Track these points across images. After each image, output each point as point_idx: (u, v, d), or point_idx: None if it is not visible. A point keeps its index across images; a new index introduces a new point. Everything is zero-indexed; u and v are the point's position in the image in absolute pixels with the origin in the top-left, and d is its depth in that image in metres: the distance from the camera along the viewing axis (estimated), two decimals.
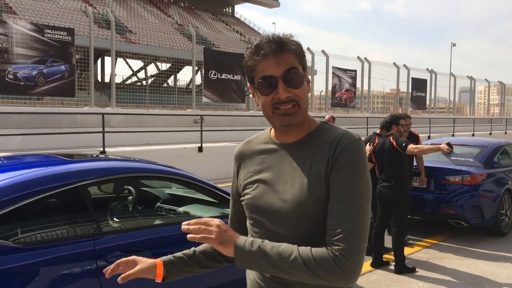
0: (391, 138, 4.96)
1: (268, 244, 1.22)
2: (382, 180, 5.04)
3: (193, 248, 1.50)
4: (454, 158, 6.69)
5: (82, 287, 2.40)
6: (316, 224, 1.25)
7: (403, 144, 4.84)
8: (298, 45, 1.31)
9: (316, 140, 1.31)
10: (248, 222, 1.39)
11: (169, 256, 1.47)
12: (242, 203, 1.41)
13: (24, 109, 10.81)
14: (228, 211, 3.24)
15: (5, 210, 2.30)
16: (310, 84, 1.44)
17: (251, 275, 1.40)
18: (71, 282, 2.37)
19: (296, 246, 1.20)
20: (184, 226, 1.24)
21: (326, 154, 1.27)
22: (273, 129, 1.41)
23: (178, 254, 1.49)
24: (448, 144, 5.03)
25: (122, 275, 1.41)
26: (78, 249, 2.43)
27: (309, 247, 1.20)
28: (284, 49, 1.27)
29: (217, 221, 1.24)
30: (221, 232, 1.22)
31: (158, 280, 1.44)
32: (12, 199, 2.34)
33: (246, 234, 1.38)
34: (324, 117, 10.18)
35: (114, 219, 3.12)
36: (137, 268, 1.42)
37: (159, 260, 1.44)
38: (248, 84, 1.38)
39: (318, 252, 1.19)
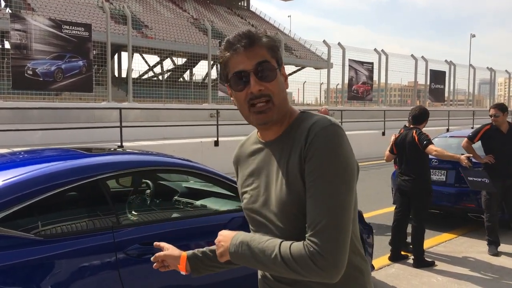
0: (414, 131, 4.86)
1: (255, 240, 1.23)
2: (401, 173, 4.97)
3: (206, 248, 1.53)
4: (475, 150, 6.57)
5: (101, 279, 2.44)
6: (304, 220, 1.21)
7: (425, 142, 4.72)
8: (270, 38, 1.28)
9: (294, 132, 1.27)
10: (250, 225, 1.40)
11: (195, 251, 1.51)
12: (242, 208, 1.43)
13: (44, 105, 10.98)
14: None
15: (26, 203, 2.34)
16: (288, 81, 1.36)
17: (258, 273, 1.43)
18: (91, 274, 2.41)
19: (279, 242, 1.20)
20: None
21: (299, 146, 1.23)
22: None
23: (204, 249, 1.50)
24: (468, 158, 4.85)
25: (155, 255, 1.53)
26: (98, 241, 2.46)
27: (290, 243, 1.18)
28: (255, 43, 1.25)
29: (217, 238, 1.33)
30: (222, 247, 1.29)
31: (182, 272, 1.50)
32: (33, 193, 2.38)
33: None
34: (328, 110, 10.06)
35: (133, 212, 3.15)
36: (166, 252, 1.51)
37: (184, 253, 1.49)
38: (225, 84, 1.34)
39: (296, 249, 1.16)
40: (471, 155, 5.08)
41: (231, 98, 1.34)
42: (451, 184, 6.07)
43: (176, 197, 3.62)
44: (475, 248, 5.42)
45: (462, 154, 4.89)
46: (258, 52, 1.24)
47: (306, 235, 1.16)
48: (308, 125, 1.23)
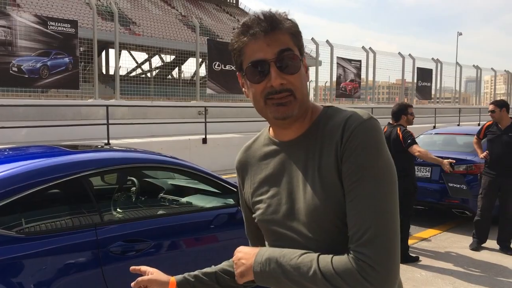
0: (398, 129, 4.89)
1: (286, 257, 1.05)
2: None
3: (212, 267, 1.34)
4: (459, 147, 6.67)
5: (84, 277, 2.42)
6: (341, 228, 1.04)
7: (409, 141, 4.74)
8: (293, 23, 1.09)
9: (322, 130, 1.09)
10: (267, 239, 1.21)
11: (185, 275, 1.32)
12: (255, 220, 1.21)
13: (29, 102, 10.86)
14: (231, 201, 3.28)
15: (7, 200, 2.32)
16: (309, 72, 1.17)
17: None
18: (74, 271, 2.39)
19: (316, 256, 1.02)
20: None
21: (333, 144, 1.05)
22: (270, 127, 1.21)
23: (196, 272, 1.32)
24: (450, 164, 4.90)
25: (137, 279, 1.31)
26: (81, 239, 2.45)
27: (331, 257, 1.00)
28: (277, 27, 1.05)
29: (235, 255, 1.17)
30: (241, 268, 1.13)
31: None
32: (15, 190, 2.36)
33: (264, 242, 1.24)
34: None
35: (117, 209, 3.14)
36: (150, 276, 1.30)
37: (173, 279, 1.30)
38: (237, 73, 1.16)
39: (340, 263, 0.99)
40: (454, 161, 5.14)
41: (243, 89, 1.16)
42: (436, 180, 6.15)
43: (161, 195, 3.62)
44: (459, 243, 5.50)
45: (446, 158, 4.95)
46: (280, 38, 1.06)
47: (351, 245, 0.99)
48: (342, 120, 1.06)
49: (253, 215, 1.21)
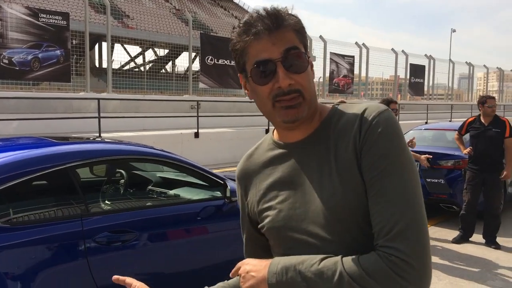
0: None
1: (305, 263, 0.96)
2: None
3: (219, 285, 1.22)
4: (448, 142, 6.73)
5: (70, 267, 2.44)
6: (364, 227, 0.98)
7: None
8: (297, 19, 1.03)
9: (334, 127, 1.05)
10: (277, 248, 1.11)
11: None
12: (262, 230, 1.12)
13: (20, 94, 10.79)
14: (219, 194, 3.30)
15: None
16: (314, 68, 1.11)
17: None
18: (59, 261, 2.41)
19: (339, 258, 0.94)
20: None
21: (350, 138, 1.00)
22: (275, 131, 1.15)
23: None
24: (428, 159, 4.95)
25: None
26: (66, 229, 2.47)
27: (356, 257, 0.93)
28: (281, 24, 0.99)
29: (241, 268, 1.06)
30: (249, 280, 1.02)
31: None
32: (1, 180, 2.36)
33: (269, 255, 1.13)
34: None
35: (104, 201, 3.16)
36: None
37: None
38: (238, 74, 1.10)
39: (369, 262, 0.91)
40: (431, 156, 5.20)
41: (245, 91, 1.10)
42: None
43: (150, 187, 3.64)
44: (445, 237, 5.57)
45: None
46: (286, 36, 1.00)
47: (378, 241, 0.92)
48: (357, 112, 1.02)
49: (260, 225, 1.13)
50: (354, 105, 1.06)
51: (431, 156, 5.21)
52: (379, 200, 0.94)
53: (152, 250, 2.78)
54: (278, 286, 0.98)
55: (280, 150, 1.11)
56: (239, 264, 1.08)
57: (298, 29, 1.03)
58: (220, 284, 1.21)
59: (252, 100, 1.12)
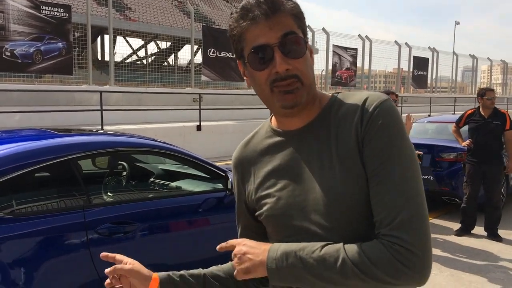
0: None
1: (306, 249, 0.95)
2: None
3: (200, 269, 1.20)
4: (450, 135, 6.71)
5: (72, 258, 2.46)
6: (364, 215, 0.98)
7: None
8: (295, 4, 1.02)
9: (335, 115, 1.04)
10: (275, 236, 1.10)
11: (170, 273, 1.16)
12: (260, 217, 1.11)
13: (22, 87, 10.81)
14: (220, 186, 3.31)
15: None
16: (314, 55, 1.10)
17: None
18: (62, 252, 2.43)
19: (341, 245, 0.94)
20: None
21: (352, 127, 1.00)
22: (273, 118, 1.14)
23: (182, 272, 1.17)
24: (418, 156, 4.95)
25: (112, 268, 1.12)
26: (68, 220, 2.48)
27: (358, 245, 0.92)
28: (278, 9, 0.98)
29: (237, 248, 1.02)
30: (247, 261, 1.00)
31: None
32: (3, 171, 2.38)
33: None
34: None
35: (106, 192, 3.17)
36: (129, 267, 1.11)
37: (155, 275, 1.14)
38: (237, 61, 1.09)
39: (372, 249, 0.91)
40: (421, 153, 5.18)
41: (245, 78, 1.10)
42: (426, 167, 6.20)
43: (151, 179, 3.65)
44: (447, 230, 5.57)
45: (437, 147, 4.97)
46: (283, 20, 0.98)
47: (381, 230, 0.92)
48: (359, 101, 1.01)
49: (258, 213, 1.12)
50: (354, 94, 1.05)
51: (422, 153, 5.20)
52: (382, 189, 0.94)
53: (153, 241, 2.80)
54: (277, 271, 0.97)
55: (279, 138, 1.10)
56: (233, 241, 1.05)
57: (296, 13, 1.01)
58: (214, 267, 1.21)
59: (254, 93, 1.10)
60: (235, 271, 1.02)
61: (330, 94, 1.10)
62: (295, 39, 0.99)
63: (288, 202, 1.04)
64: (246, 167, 1.16)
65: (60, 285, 2.40)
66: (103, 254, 1.15)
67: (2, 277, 2.21)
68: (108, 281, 1.11)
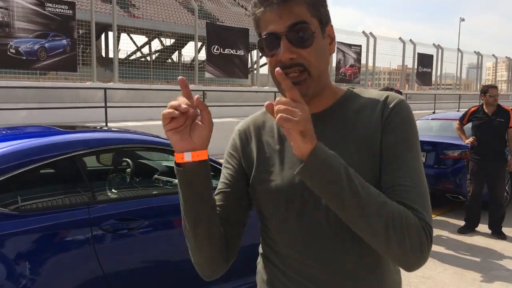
0: None
1: (352, 171, 0.93)
2: None
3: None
4: (454, 132, 6.69)
5: (77, 254, 2.48)
6: None
7: None
8: None
9: (350, 106, 1.09)
10: (274, 217, 1.10)
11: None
12: (259, 186, 1.11)
13: (27, 84, 10.85)
14: None
15: (1, 178, 2.36)
16: (335, 43, 1.10)
17: (263, 271, 1.18)
18: (66, 248, 2.45)
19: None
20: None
21: (372, 117, 1.06)
22: None
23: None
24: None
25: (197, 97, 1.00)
26: (73, 216, 2.50)
27: (398, 204, 0.95)
28: None
29: (304, 107, 0.90)
30: (307, 120, 0.89)
31: (187, 157, 0.99)
32: (9, 167, 2.40)
33: (235, 234, 1.13)
34: None
35: (110, 189, 3.19)
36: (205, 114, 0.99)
37: (205, 152, 1.01)
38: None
39: (408, 213, 0.94)
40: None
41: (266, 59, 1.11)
42: (430, 165, 6.19)
43: (156, 176, 3.66)
44: (451, 227, 5.57)
45: (441, 144, 4.91)
46: (295, 9, 1.00)
47: (406, 202, 0.96)
48: (379, 96, 1.09)
49: (259, 188, 1.11)
50: (371, 91, 1.12)
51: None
52: (405, 168, 1.00)
53: (157, 238, 2.81)
54: (323, 162, 0.90)
55: None
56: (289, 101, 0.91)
57: (311, 2, 1.02)
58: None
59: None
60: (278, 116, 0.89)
61: (346, 88, 1.15)
62: (303, 28, 1.00)
63: (295, 181, 1.04)
64: (251, 137, 1.17)
65: (65, 281, 2.42)
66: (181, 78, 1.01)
67: (8, 272, 2.23)
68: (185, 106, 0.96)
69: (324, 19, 1.05)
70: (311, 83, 1.02)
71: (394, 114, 1.05)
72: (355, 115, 1.07)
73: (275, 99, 0.94)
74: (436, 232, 5.40)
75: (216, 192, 1.17)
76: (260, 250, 1.22)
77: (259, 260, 1.23)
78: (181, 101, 0.98)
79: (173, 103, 0.97)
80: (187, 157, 0.99)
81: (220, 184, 1.18)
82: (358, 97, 1.11)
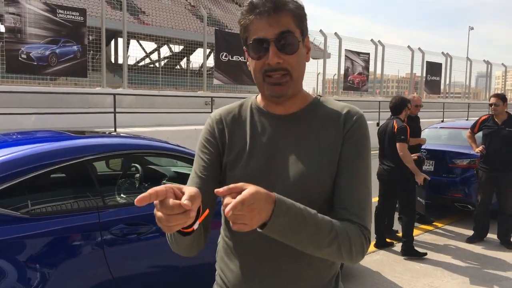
0: (395, 122, 4.84)
1: (305, 210, 1.04)
2: (382, 162, 5.01)
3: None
4: (463, 141, 6.66)
5: (86, 257, 2.50)
6: (326, 200, 1.17)
7: (402, 137, 4.70)
8: (298, 5, 1.16)
9: (316, 113, 1.22)
10: None
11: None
12: (230, 172, 1.21)
13: (37, 89, 10.97)
14: None
15: (14, 181, 2.39)
16: (310, 53, 1.24)
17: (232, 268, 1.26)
18: (76, 252, 2.47)
19: (330, 219, 1.09)
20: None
21: (334, 127, 1.19)
22: (259, 97, 1.29)
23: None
24: (425, 179, 4.90)
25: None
26: (83, 221, 2.52)
27: (342, 223, 1.11)
28: (280, 8, 1.13)
29: (244, 198, 0.92)
30: (255, 211, 0.94)
31: (189, 229, 1.01)
32: (21, 172, 2.43)
33: (209, 220, 1.22)
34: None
35: (120, 194, 3.21)
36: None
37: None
38: (243, 47, 1.23)
39: (350, 227, 1.11)
40: (429, 178, 5.11)
41: (247, 62, 1.24)
42: (439, 174, 6.16)
43: (164, 181, 3.68)
44: (460, 237, 5.52)
45: (449, 153, 4.87)
46: (283, 20, 1.13)
47: (350, 215, 1.13)
48: (341, 108, 1.22)
49: (230, 174, 1.19)
50: (335, 101, 1.26)
51: (429, 179, 5.14)
52: (352, 182, 1.16)
53: (166, 242, 2.82)
54: (285, 226, 1.00)
55: (263, 116, 1.25)
56: (239, 186, 0.95)
57: (297, 14, 1.15)
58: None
59: None
60: (232, 223, 0.95)
61: (314, 95, 1.29)
62: (290, 37, 1.14)
63: (261, 173, 1.17)
64: (226, 125, 1.26)
65: (74, 284, 2.43)
66: (139, 198, 0.92)
67: (18, 274, 2.25)
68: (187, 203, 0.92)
69: (305, 31, 1.19)
70: (291, 85, 1.16)
71: (354, 128, 1.19)
72: (319, 122, 1.21)
73: None
74: (444, 241, 5.36)
75: (192, 175, 1.25)
76: (222, 232, 1.34)
77: (220, 239, 1.35)
78: (171, 202, 0.91)
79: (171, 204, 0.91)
80: (196, 226, 1.00)
81: (198, 167, 1.25)
82: (324, 106, 1.24)
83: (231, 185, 0.96)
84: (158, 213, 0.92)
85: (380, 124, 5.28)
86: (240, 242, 1.24)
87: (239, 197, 0.92)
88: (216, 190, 0.97)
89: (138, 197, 0.90)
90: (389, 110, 5.07)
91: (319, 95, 1.29)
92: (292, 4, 1.15)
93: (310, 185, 1.15)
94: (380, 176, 5.04)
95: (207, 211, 1.02)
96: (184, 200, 0.90)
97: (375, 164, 10.28)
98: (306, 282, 1.21)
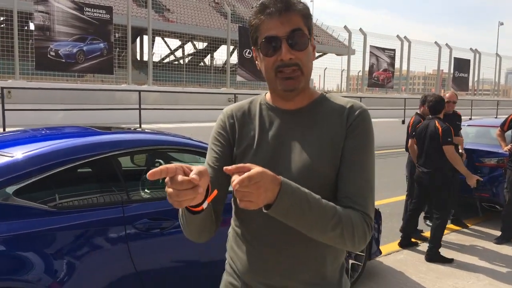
0: (437, 122, 4.64)
1: (309, 195, 1.10)
2: (420, 165, 4.82)
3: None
4: (492, 140, 6.49)
5: (111, 251, 2.55)
6: (329, 191, 1.22)
7: (449, 139, 4.54)
8: (305, 6, 1.24)
9: (321, 108, 1.29)
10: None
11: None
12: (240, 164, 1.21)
13: (65, 86, 11.24)
14: None
15: (42, 175, 2.46)
16: (315, 52, 1.33)
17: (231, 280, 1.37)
18: (101, 246, 2.52)
19: (334, 205, 1.15)
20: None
21: (338, 121, 1.25)
22: (268, 94, 1.35)
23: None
24: (477, 181, 4.75)
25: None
26: (108, 215, 2.57)
27: (348, 210, 1.17)
28: (290, 8, 1.20)
29: (252, 175, 0.98)
30: (261, 188, 0.99)
31: (198, 207, 1.05)
32: (49, 166, 2.49)
33: (220, 209, 1.31)
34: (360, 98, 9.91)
35: (144, 189, 3.26)
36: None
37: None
38: (252, 47, 1.30)
39: (353, 214, 1.16)
40: (481, 179, 4.97)
41: (256, 62, 1.31)
42: None
43: None
44: (487, 237, 5.40)
45: (477, 152, 4.70)
46: (293, 18, 1.20)
47: (354, 204, 1.18)
48: (345, 103, 1.29)
49: (240, 161, 1.22)
50: (340, 98, 1.32)
51: (482, 179, 5.00)
52: (357, 175, 1.21)
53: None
54: (289, 208, 1.06)
55: (271, 111, 1.32)
56: (246, 166, 1.01)
57: (304, 14, 1.23)
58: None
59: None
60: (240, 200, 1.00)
61: (320, 92, 1.36)
62: (300, 34, 1.21)
63: (268, 164, 1.16)
64: (237, 120, 1.34)
65: (99, 277, 2.49)
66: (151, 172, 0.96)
67: (46, 266, 2.32)
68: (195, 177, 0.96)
69: (311, 30, 1.26)
70: (302, 79, 1.23)
71: (356, 122, 1.24)
72: (324, 117, 1.27)
73: None
74: (471, 242, 5.25)
75: (205, 166, 1.32)
76: (232, 222, 1.40)
77: (230, 230, 1.42)
78: (180, 178, 0.95)
79: (180, 180, 0.95)
80: (205, 205, 1.05)
81: (210, 158, 1.34)
82: (329, 101, 1.31)
83: (240, 164, 1.02)
84: (169, 189, 0.97)
85: (407, 122, 5.17)
86: (247, 228, 1.30)
87: (246, 173, 0.98)
88: (225, 167, 1.02)
89: (150, 171, 0.96)
90: (414, 107, 4.95)
91: (325, 92, 1.35)
92: (300, 5, 1.23)
93: (314, 177, 1.21)
94: (419, 179, 4.84)
95: (215, 191, 1.05)
96: (193, 175, 0.96)
97: (398, 162, 10.09)
98: (311, 270, 1.27)
